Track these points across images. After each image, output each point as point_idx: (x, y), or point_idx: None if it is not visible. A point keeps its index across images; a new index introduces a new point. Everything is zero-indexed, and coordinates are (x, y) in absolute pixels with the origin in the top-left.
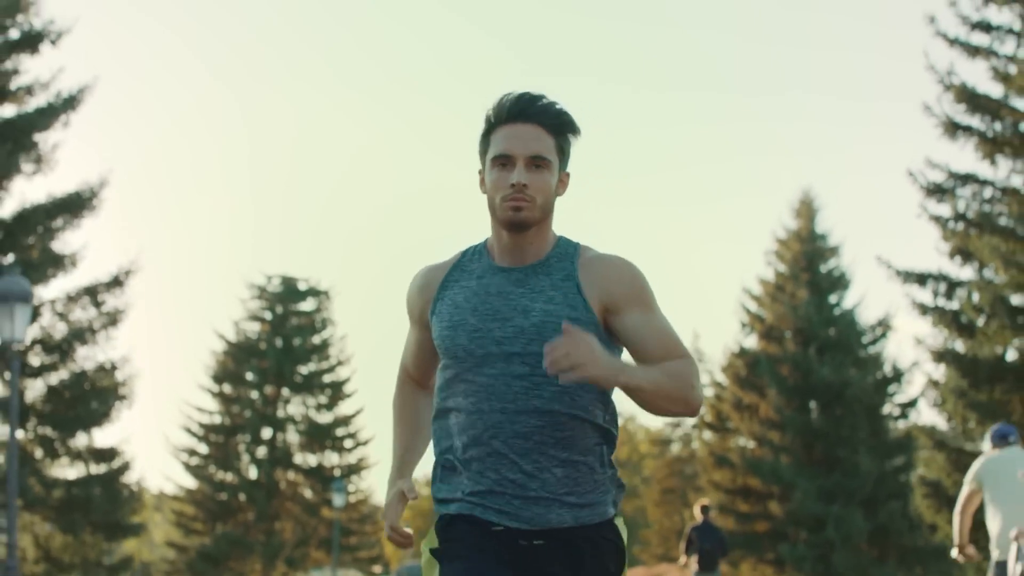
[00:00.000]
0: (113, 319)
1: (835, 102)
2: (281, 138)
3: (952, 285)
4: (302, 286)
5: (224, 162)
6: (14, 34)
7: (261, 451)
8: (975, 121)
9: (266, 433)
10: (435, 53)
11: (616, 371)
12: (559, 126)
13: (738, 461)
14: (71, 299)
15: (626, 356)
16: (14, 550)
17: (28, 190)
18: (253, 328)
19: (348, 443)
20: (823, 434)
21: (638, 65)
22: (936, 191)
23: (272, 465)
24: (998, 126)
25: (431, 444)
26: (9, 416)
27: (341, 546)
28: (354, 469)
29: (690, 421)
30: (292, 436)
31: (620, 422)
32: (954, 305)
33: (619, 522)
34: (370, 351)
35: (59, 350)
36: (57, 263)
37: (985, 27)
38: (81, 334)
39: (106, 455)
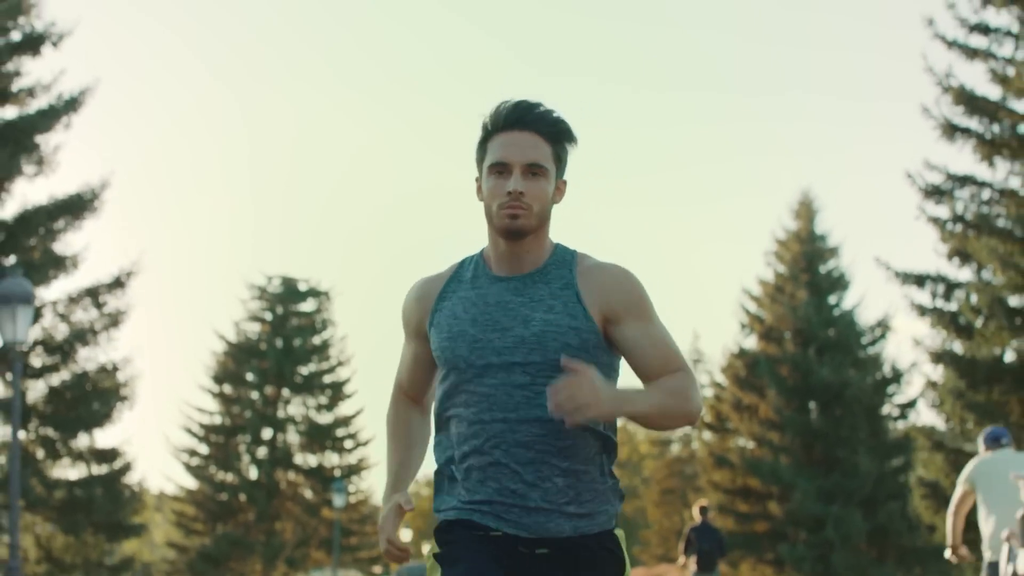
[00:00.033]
0: (114, 320)
1: (834, 103)
2: (281, 138)
3: (950, 286)
4: (302, 287)
5: (224, 162)
6: (15, 36)
7: (261, 451)
8: (973, 123)
9: (266, 433)
10: (435, 53)
11: (619, 403)
12: (556, 134)
13: (738, 461)
14: (72, 300)
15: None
16: (16, 551)
17: (30, 192)
18: (253, 329)
19: (348, 443)
20: (822, 435)
21: (638, 65)
22: (934, 193)
23: (272, 465)
24: (996, 128)
25: (426, 458)
26: (11, 417)
27: (341, 546)
28: (354, 469)
29: None
30: (292, 436)
31: (619, 423)
32: (952, 306)
33: (619, 532)
34: (370, 352)
35: (61, 351)
36: (59, 264)
37: (983, 29)
38: (82, 335)
39: (107, 456)
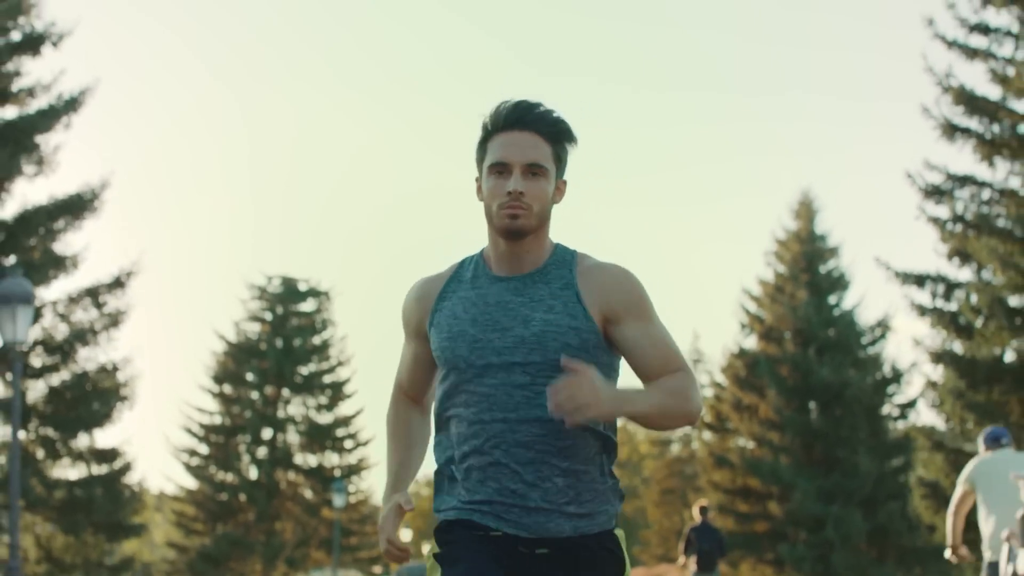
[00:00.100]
0: (114, 320)
1: (835, 103)
2: (281, 138)
3: (950, 286)
4: (302, 287)
5: (224, 162)
6: (16, 36)
7: (261, 451)
8: (973, 123)
9: (266, 433)
10: (435, 53)
11: (619, 403)
12: (556, 134)
13: (738, 461)
14: (72, 300)
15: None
16: (16, 550)
17: (30, 192)
18: (253, 329)
19: (348, 443)
20: (822, 434)
21: (638, 65)
22: (934, 193)
23: (272, 465)
24: (996, 128)
25: (427, 458)
26: (11, 417)
27: (341, 546)
28: (354, 469)
29: None
30: (292, 436)
31: (619, 423)
32: (952, 306)
33: (619, 532)
34: (370, 352)
35: (61, 351)
36: (59, 264)
37: (983, 29)
38: (83, 335)
39: (107, 456)
